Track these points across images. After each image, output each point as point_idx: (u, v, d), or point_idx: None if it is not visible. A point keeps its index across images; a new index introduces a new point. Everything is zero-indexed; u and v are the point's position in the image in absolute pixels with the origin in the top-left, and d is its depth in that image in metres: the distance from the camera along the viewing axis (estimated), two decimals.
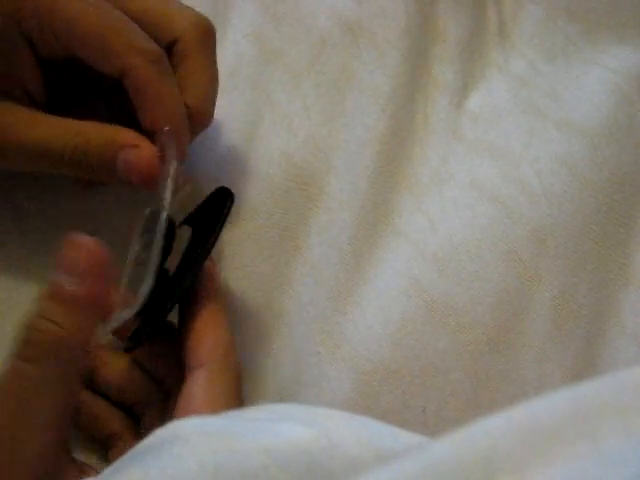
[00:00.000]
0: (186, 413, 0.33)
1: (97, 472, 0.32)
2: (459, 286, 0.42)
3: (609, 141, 0.44)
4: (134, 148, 0.34)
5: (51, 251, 0.40)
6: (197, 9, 0.44)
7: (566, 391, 0.21)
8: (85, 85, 0.39)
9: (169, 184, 0.35)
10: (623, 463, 0.19)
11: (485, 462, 0.19)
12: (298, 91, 0.44)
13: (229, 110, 0.43)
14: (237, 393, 0.34)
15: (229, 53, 0.44)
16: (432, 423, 0.40)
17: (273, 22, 0.44)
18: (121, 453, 0.26)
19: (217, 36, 0.44)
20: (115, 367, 0.38)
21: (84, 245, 0.31)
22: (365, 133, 0.43)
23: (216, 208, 0.36)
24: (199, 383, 0.33)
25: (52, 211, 0.41)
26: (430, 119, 0.45)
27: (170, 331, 0.37)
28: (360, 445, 0.23)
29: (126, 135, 0.35)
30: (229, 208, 0.36)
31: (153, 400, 0.38)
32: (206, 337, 0.34)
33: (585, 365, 0.42)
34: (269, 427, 0.24)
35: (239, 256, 0.41)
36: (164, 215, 0.34)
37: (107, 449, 0.37)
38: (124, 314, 0.33)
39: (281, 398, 0.40)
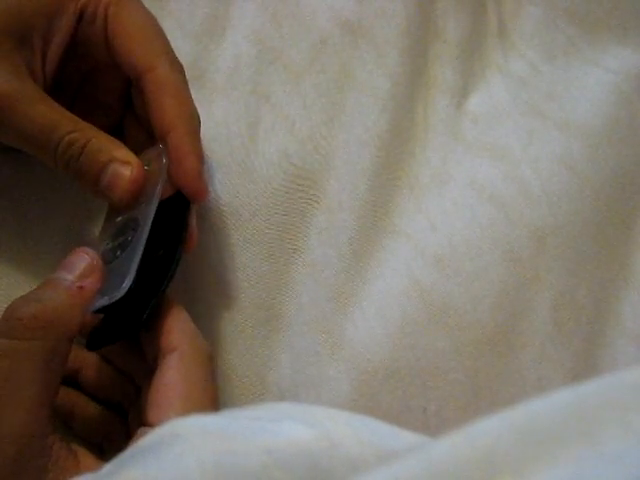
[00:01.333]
0: (162, 397, 0.33)
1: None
2: (459, 286, 0.42)
3: (609, 141, 0.44)
4: (126, 164, 0.35)
5: (51, 250, 0.40)
6: (197, 11, 0.44)
7: (566, 391, 0.21)
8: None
9: (154, 200, 0.36)
10: (623, 463, 0.19)
11: (485, 462, 0.19)
12: (298, 91, 0.44)
13: (229, 110, 0.43)
14: (210, 374, 0.35)
15: (229, 54, 0.44)
16: (432, 423, 0.40)
17: (273, 22, 0.44)
18: (116, 454, 0.26)
19: (218, 38, 0.44)
20: (92, 366, 0.38)
21: (83, 250, 0.34)
22: (365, 133, 0.43)
23: (175, 215, 0.37)
24: (172, 366, 0.34)
25: (54, 213, 0.41)
26: (430, 119, 0.45)
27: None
28: (361, 445, 0.23)
29: (122, 149, 0.36)
30: (186, 223, 0.37)
31: (132, 396, 0.38)
32: (173, 324, 0.35)
33: (585, 365, 0.42)
34: (270, 427, 0.24)
35: (239, 257, 0.41)
36: (146, 229, 0.35)
37: (103, 452, 0.37)
38: (102, 300, 0.34)
39: (281, 398, 0.40)
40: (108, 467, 0.25)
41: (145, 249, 0.35)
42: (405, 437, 0.25)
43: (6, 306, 0.38)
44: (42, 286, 0.33)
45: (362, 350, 0.40)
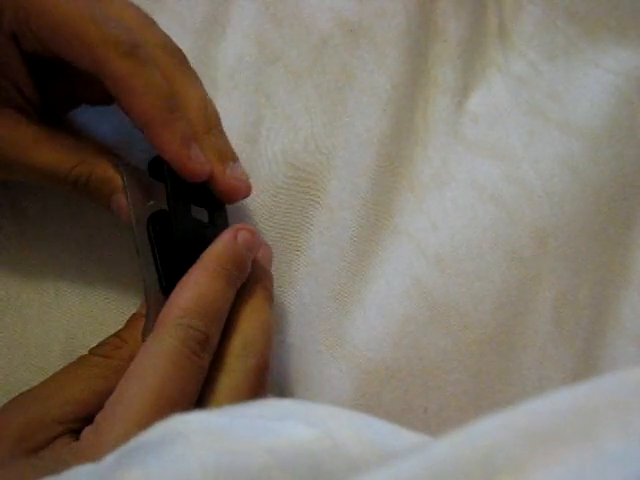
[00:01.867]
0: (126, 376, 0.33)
1: None
2: (460, 286, 0.42)
3: (610, 142, 0.44)
4: (125, 193, 0.35)
5: (52, 251, 0.40)
6: (197, 9, 0.44)
7: (566, 391, 0.21)
8: (81, 84, 0.39)
9: (133, 222, 0.36)
10: (623, 463, 0.19)
11: (485, 462, 0.19)
12: (299, 92, 0.44)
13: (230, 111, 0.43)
14: (169, 361, 0.32)
15: (229, 54, 0.44)
16: (434, 423, 0.40)
17: (273, 23, 0.44)
18: None
19: (217, 37, 0.44)
20: None
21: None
22: (366, 133, 0.43)
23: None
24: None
25: (53, 212, 0.41)
26: (431, 119, 0.45)
27: None
28: (362, 445, 0.23)
29: (120, 178, 0.36)
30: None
31: None
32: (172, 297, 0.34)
33: (586, 366, 0.42)
34: (271, 426, 0.24)
35: None
36: (141, 253, 0.36)
37: None
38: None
39: (282, 397, 0.40)
40: (109, 458, 0.25)
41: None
42: (407, 436, 0.25)
43: (5, 305, 0.38)
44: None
45: (363, 349, 0.41)
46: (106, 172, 0.36)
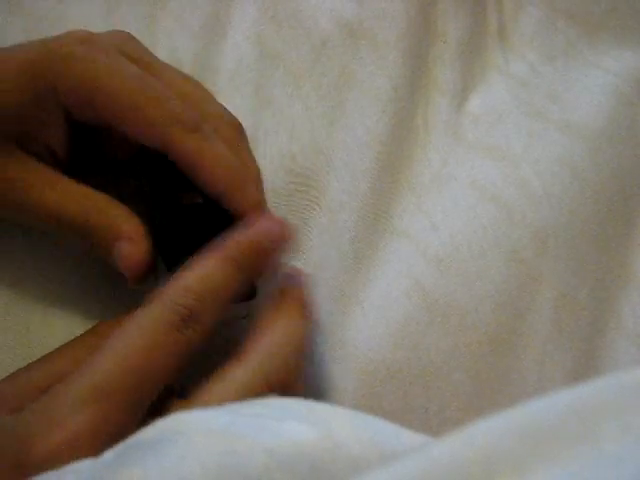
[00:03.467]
0: None
1: None
2: (461, 287, 0.42)
3: (610, 143, 0.44)
4: (129, 241, 0.34)
5: (55, 253, 0.40)
6: (198, 11, 0.44)
7: (566, 391, 0.21)
8: (111, 148, 0.38)
9: None
10: (623, 463, 0.19)
11: (485, 462, 0.20)
12: (299, 93, 0.44)
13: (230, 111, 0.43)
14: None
15: (229, 55, 0.44)
16: (434, 423, 0.40)
17: (273, 24, 0.45)
18: None
19: (218, 38, 0.44)
20: None
21: None
22: (366, 134, 0.44)
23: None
24: None
25: None
26: (430, 120, 0.45)
27: None
28: (363, 445, 0.23)
29: (127, 224, 0.35)
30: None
31: None
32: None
33: (586, 366, 0.42)
34: (272, 426, 0.24)
35: None
36: None
37: None
38: None
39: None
40: (108, 455, 0.25)
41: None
42: (407, 437, 0.25)
43: (4, 305, 0.38)
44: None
45: (363, 350, 0.41)
46: (109, 216, 0.35)
